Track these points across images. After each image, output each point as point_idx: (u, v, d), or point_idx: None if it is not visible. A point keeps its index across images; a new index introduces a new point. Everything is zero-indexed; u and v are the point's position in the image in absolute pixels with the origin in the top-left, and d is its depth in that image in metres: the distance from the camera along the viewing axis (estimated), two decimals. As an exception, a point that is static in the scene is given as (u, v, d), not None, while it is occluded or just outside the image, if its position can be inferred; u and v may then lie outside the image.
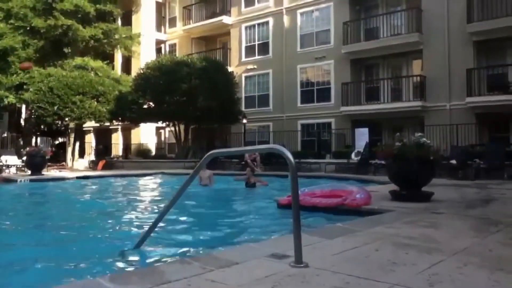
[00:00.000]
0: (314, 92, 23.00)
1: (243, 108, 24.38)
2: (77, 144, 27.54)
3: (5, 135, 29.20)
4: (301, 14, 23.58)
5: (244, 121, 22.91)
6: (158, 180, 15.85)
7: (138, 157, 26.88)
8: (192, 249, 4.36)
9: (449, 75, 18.48)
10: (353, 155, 17.43)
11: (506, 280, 2.87)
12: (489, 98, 17.09)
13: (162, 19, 31.61)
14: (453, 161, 13.26)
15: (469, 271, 3.07)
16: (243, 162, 17.61)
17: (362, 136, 18.18)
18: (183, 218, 6.55)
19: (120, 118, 24.93)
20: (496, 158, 13.38)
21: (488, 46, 18.00)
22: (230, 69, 25.21)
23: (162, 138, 31.35)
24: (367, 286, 2.69)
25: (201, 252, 3.96)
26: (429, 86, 19.05)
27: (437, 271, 3.02)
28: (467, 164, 13.25)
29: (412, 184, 7.07)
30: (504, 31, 16.74)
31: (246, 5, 26.05)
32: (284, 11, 24.18)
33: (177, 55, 26.62)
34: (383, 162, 10.28)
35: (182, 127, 24.35)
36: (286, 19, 24.09)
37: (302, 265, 3.04)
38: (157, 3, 31.09)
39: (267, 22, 25.05)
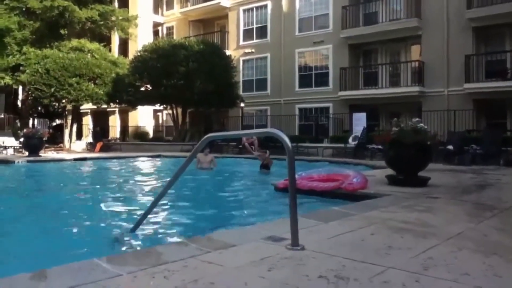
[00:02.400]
0: (312, 77, 22.93)
1: (241, 92, 24.30)
2: (75, 126, 27.47)
3: (2, 116, 29.09)
4: (300, -3, 23.34)
5: (242, 105, 22.87)
6: (156, 163, 15.88)
7: (136, 139, 26.87)
8: (189, 232, 4.39)
9: (447, 61, 18.43)
10: (350, 140, 17.47)
11: (499, 264, 2.90)
12: (487, 85, 17.09)
13: (159, 1, 31.30)
14: (450, 147, 13.30)
15: (464, 255, 3.10)
16: (241, 146, 17.65)
17: (359, 121, 18.20)
18: (180, 202, 6.58)
19: (117, 101, 24.84)
20: (492, 144, 13.42)
21: (487, 32, 17.92)
22: (227, 52, 25.05)
23: (160, 121, 31.31)
24: (363, 269, 2.71)
25: (198, 234, 3.98)
26: (427, 72, 19.01)
27: (432, 255, 3.05)
28: (464, 150, 13.30)
29: (409, 169, 7.10)
30: (503, 17, 16.65)
31: (245, -13, 25.80)
32: (282, -6, 23.94)
33: (174, 38, 26.41)
34: (380, 147, 10.33)
35: (179, 110, 24.30)
36: (284, 2, 23.87)
37: (298, 248, 3.07)
38: (154, -16, 30.75)
39: (265, 5, 24.82)
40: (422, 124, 7.41)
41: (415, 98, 19.09)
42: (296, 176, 6.57)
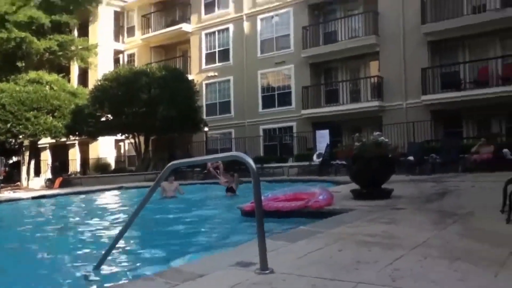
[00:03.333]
0: (275, 97, 23.19)
1: (204, 116, 24.26)
2: (32, 162, 26.61)
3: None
4: (261, 19, 23.75)
5: (206, 129, 22.82)
6: (118, 196, 15.43)
7: (97, 172, 26.22)
8: (156, 265, 4.26)
9: (405, 75, 19.06)
10: (314, 157, 17.68)
11: (463, 268, 2.97)
12: (443, 96, 17.73)
13: (120, 29, 31.04)
14: (411, 158, 13.68)
15: (429, 263, 3.17)
16: (206, 171, 17.53)
17: (323, 138, 18.47)
18: (145, 234, 6.42)
19: (77, 133, 24.27)
20: (450, 153, 13.89)
21: (441, 45, 18.70)
22: (190, 77, 25.06)
23: (122, 151, 30.69)
24: (333, 286, 2.72)
25: (165, 267, 3.88)
26: (386, 86, 19.58)
27: (399, 266, 3.09)
28: (424, 160, 13.71)
29: (372, 182, 7.24)
30: (456, 31, 17.45)
31: (206, 12, 26.00)
32: (244, 17, 24.29)
33: (136, 65, 26.22)
34: (344, 162, 10.49)
35: (142, 138, 23.96)
36: (246, 25, 24.21)
37: (267, 272, 3.04)
38: (115, 12, 30.50)
39: (227, 29, 25.09)
40: (383, 138, 7.61)
41: (376, 112, 19.59)
42: (262, 197, 6.59)
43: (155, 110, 20.82)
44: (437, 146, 15.65)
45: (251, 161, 3.28)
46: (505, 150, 12.82)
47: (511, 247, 3.45)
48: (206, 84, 25.76)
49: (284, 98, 22.84)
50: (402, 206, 6.15)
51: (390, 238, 4.09)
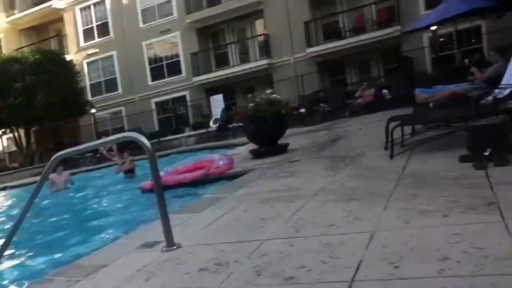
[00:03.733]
0: (164, 68, 22.49)
1: (89, 98, 22.84)
2: None
3: None
4: (139, -13, 22.46)
5: (93, 111, 21.55)
6: (3, 197, 14.03)
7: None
8: (56, 265, 3.96)
9: (289, 30, 19.45)
10: (211, 123, 17.68)
11: (357, 208, 3.19)
12: (326, 46, 18.49)
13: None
14: (302, 110, 14.26)
15: (328, 208, 3.35)
16: (99, 155, 16.71)
17: (217, 103, 18.46)
18: (39, 233, 5.93)
19: None
20: (337, 100, 14.74)
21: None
22: (68, 57, 23.16)
23: (1, 148, 27.82)
24: (240, 249, 2.75)
25: (65, 265, 3.62)
26: (273, 43, 19.90)
27: (301, 216, 3.23)
28: (315, 110, 14.39)
29: (269, 140, 7.43)
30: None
31: (78, -15, 23.93)
32: (120, -14, 22.77)
33: (4, 52, 23.58)
34: (240, 124, 10.62)
35: (22, 131, 21.97)
36: (123, -6, 22.76)
37: (174, 247, 2.99)
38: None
39: (103, 1, 23.41)
40: (275, 95, 7.79)
41: (266, 70, 19.94)
42: (162, 172, 6.44)
43: (32, 98, 19.11)
44: (325, 96, 16.48)
45: (144, 139, 3.16)
46: (385, 91, 13.90)
47: (395, 180, 3.77)
48: (88, 63, 24.13)
49: (173, 67, 22.26)
50: (298, 158, 6.41)
51: (290, 190, 4.25)
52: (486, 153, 3.67)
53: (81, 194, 9.96)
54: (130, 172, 10.32)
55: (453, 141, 4.92)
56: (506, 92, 4.76)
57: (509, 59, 5.38)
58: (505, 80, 5.14)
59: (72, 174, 11.64)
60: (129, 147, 12.25)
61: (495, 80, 5.48)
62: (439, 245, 2.17)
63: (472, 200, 2.80)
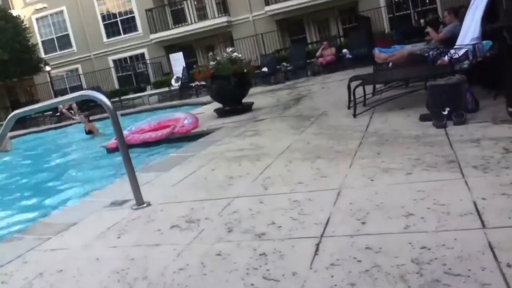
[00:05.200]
0: (118, 24, 21.59)
1: (42, 55, 21.74)
2: None
3: None
4: None
5: (48, 68, 20.59)
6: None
7: None
8: (22, 226, 3.90)
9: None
10: (173, 82, 17.34)
11: (323, 165, 3.28)
12: (284, 4, 18.24)
13: None
14: (265, 69, 14.19)
15: (295, 166, 3.42)
16: (58, 114, 16.17)
17: (178, 61, 18.05)
18: (6, 194, 5.77)
19: None
20: (299, 59, 14.74)
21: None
22: (14, 13, 21.76)
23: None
24: (211, 206, 2.79)
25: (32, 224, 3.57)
26: (231, 1, 19.45)
27: (269, 174, 3.29)
28: (277, 69, 14.35)
29: (233, 99, 7.40)
30: None
31: None
32: None
33: None
34: (203, 83, 10.48)
35: (-27, 90, 20.83)
36: None
37: (144, 205, 3.00)
38: None
39: (44, -49, 21.93)
40: (236, 53, 7.69)
41: (225, 28, 19.55)
42: (126, 132, 6.35)
43: (-19, 56, 18.00)
44: (286, 55, 16.42)
45: (103, 98, 3.09)
46: (345, 50, 13.98)
47: (359, 139, 3.88)
48: (37, 19, 22.77)
49: (128, 23, 21.41)
50: (263, 117, 6.45)
51: (257, 149, 4.29)
52: (445, 112, 3.82)
53: (43, 153, 9.67)
54: (90, 133, 10.07)
55: (413, 99, 5.09)
56: (461, 52, 4.91)
57: (463, 19, 5.52)
58: (459, 41, 5.29)
59: (34, 132, 11.12)
60: (90, 105, 11.90)
61: (450, 41, 5.64)
62: (403, 202, 2.27)
63: (433, 158, 2.93)
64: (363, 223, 2.11)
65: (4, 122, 3.47)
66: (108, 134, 9.22)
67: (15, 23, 19.96)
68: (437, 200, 2.22)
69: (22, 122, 14.00)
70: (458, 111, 3.81)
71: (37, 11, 22.57)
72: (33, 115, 16.90)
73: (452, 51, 4.91)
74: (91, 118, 10.60)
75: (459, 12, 6.27)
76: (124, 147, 3.10)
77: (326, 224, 2.18)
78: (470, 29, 5.16)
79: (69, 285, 2.05)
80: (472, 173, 2.53)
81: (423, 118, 4.07)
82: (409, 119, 4.27)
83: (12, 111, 3.54)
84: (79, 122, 11.46)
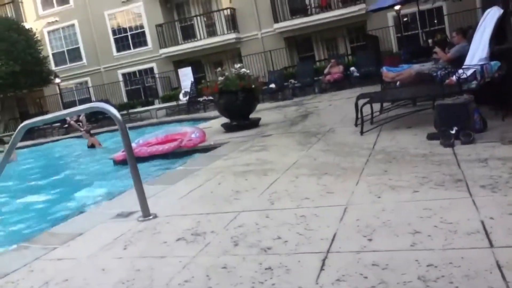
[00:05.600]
0: (128, 38, 21.86)
1: (53, 67, 22.01)
2: None
3: None
4: (97, -46, 21.54)
5: (57, 80, 20.83)
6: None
7: None
8: (28, 235, 3.90)
9: (255, 5, 19.26)
10: (181, 96, 17.47)
11: (330, 182, 3.28)
12: (292, 22, 18.45)
13: None
14: (272, 85, 14.28)
15: (301, 182, 3.42)
16: (66, 125, 16.29)
17: (186, 76, 18.21)
18: (7, 201, 5.81)
19: None
20: (307, 76, 14.83)
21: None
22: (27, 25, 22.11)
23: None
24: (217, 220, 2.80)
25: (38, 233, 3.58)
26: (240, 18, 19.66)
27: (275, 189, 3.29)
28: (284, 86, 14.44)
29: (240, 114, 7.44)
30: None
31: (33, -50, 22.67)
32: (77, -47, 21.76)
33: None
34: (211, 98, 10.55)
35: (-16, 100, 21.05)
36: (80, -38, 21.79)
37: (150, 217, 3.01)
38: None
39: (59, -32, 22.35)
40: (244, 69, 7.75)
41: (233, 45, 19.73)
42: (133, 144, 6.37)
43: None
44: (294, 72, 16.54)
45: (113, 110, 3.13)
46: (352, 68, 14.07)
47: (366, 156, 3.89)
48: (48, 32, 23.11)
49: (139, 38, 21.67)
50: (270, 132, 6.47)
51: (264, 164, 4.30)
52: (453, 132, 3.82)
53: (51, 163, 9.75)
54: (92, 147, 10.26)
55: (420, 118, 5.10)
56: (469, 72, 4.93)
57: (471, 40, 5.55)
58: (467, 61, 5.31)
59: (41, 144, 11.28)
60: (99, 118, 11.98)
61: (458, 61, 5.66)
62: (410, 219, 2.26)
63: (441, 176, 2.93)
64: (370, 239, 2.11)
65: (15, 132, 3.51)
66: (110, 147, 9.29)
67: (27, 35, 20.28)
68: (444, 218, 2.21)
69: (30, 133, 14.09)
70: (466, 130, 3.80)
71: (49, 24, 22.93)
72: (41, 126, 17.08)
73: (460, 71, 4.92)
74: (92, 131, 10.77)
75: (467, 33, 6.32)
76: (133, 159, 3.13)
77: (333, 239, 2.17)
78: (478, 49, 5.19)
79: (75, 294, 2.05)
80: (479, 192, 2.52)
81: (430, 137, 4.07)
82: (416, 138, 4.27)
83: (21, 122, 3.59)
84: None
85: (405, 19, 16.85)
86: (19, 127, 3.46)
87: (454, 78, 5.02)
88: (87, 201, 4.90)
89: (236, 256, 2.17)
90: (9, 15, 22.23)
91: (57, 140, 14.44)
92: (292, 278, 1.83)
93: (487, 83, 4.72)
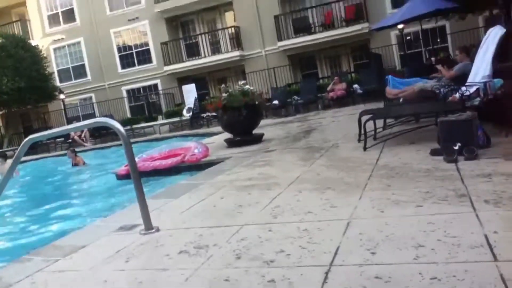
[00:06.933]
0: (133, 56, 22.13)
1: (58, 83, 22.23)
2: None
3: None
4: (104, -26, 21.93)
5: (62, 96, 21.01)
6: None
7: None
8: (30, 248, 3.90)
9: (259, 23, 19.51)
10: (184, 112, 17.58)
11: (333, 196, 3.27)
12: (296, 40, 18.67)
13: None
14: (276, 102, 14.37)
15: (304, 196, 3.42)
16: (70, 140, 16.39)
17: (190, 93, 18.34)
18: (11, 215, 5.82)
19: None
20: (310, 93, 14.92)
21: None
22: (34, 42, 22.41)
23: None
24: (219, 233, 2.79)
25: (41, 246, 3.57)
26: (244, 36, 19.89)
27: (278, 204, 3.29)
28: (288, 102, 14.52)
29: (243, 130, 7.48)
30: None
31: (41, -31, 23.07)
32: (84, -28, 22.16)
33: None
34: (214, 113, 10.62)
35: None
36: (88, -19, 22.17)
37: (153, 230, 3.00)
38: None
39: (66, -13, 22.72)
40: (248, 86, 7.82)
41: (237, 62, 19.92)
42: (137, 158, 6.39)
43: (-1, 82, 18.49)
44: (297, 89, 16.65)
45: (117, 125, 3.16)
46: (355, 85, 14.16)
47: (369, 171, 3.88)
48: (54, 49, 23.41)
49: (143, 56, 21.94)
50: (273, 147, 6.48)
51: (267, 179, 4.30)
52: (456, 147, 3.82)
53: (54, 178, 9.78)
54: (76, 165, 10.44)
55: (423, 135, 5.10)
56: (472, 89, 4.95)
57: (473, 58, 5.59)
58: (470, 79, 5.34)
59: (44, 158, 11.38)
60: (101, 133, 12.08)
61: (461, 78, 5.69)
62: (413, 233, 2.24)
63: (444, 191, 2.92)
64: (373, 253, 2.09)
65: (19, 147, 3.54)
66: (94, 164, 9.31)
67: (34, 52, 20.55)
68: (447, 232, 2.20)
69: (33, 148, 14.14)
70: (469, 146, 3.81)
71: (55, 41, 23.23)
72: (45, 140, 17.17)
73: (463, 88, 4.95)
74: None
75: (471, 52, 6.36)
76: (136, 173, 3.14)
77: (336, 253, 2.16)
78: (481, 67, 5.22)
79: (76, 306, 2.04)
80: (483, 207, 2.51)
81: (433, 152, 4.07)
82: (419, 154, 4.27)
83: (25, 137, 3.62)
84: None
85: (408, 37, 17.01)
86: (24, 141, 3.49)
87: (457, 95, 5.05)
88: (90, 215, 4.90)
89: (238, 269, 2.16)
90: (16, 33, 22.52)
91: (60, 156, 14.50)
92: (294, 291, 1.82)
93: (490, 100, 4.73)
